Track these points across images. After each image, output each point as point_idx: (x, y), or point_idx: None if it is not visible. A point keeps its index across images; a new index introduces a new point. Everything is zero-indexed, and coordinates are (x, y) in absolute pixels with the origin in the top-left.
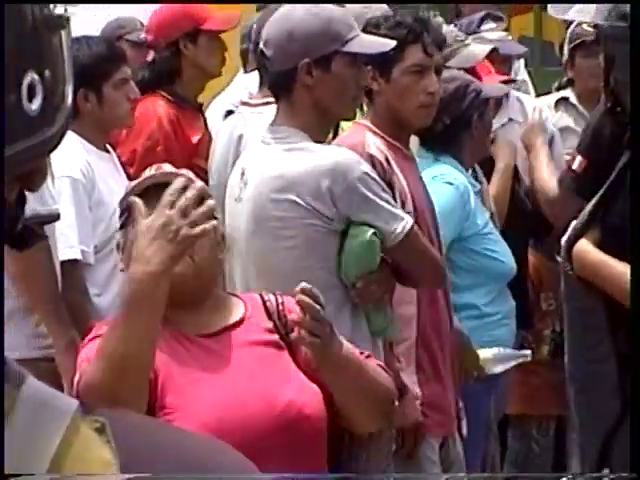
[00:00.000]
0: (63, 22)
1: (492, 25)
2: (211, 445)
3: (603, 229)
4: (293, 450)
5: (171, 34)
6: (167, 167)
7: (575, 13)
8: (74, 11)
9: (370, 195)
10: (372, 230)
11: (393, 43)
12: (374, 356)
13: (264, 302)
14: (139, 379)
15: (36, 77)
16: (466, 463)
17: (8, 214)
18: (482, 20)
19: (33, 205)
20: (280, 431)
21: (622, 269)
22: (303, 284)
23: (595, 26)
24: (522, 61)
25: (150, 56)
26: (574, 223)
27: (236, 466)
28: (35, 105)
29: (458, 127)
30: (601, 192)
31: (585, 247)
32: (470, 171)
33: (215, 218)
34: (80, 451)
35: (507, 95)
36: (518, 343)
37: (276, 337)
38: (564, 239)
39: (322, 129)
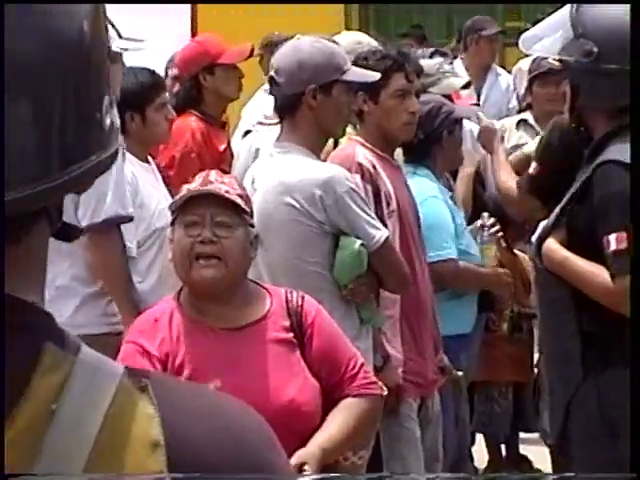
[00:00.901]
0: (120, 56)
1: (439, 59)
2: (237, 404)
3: (568, 231)
4: (288, 440)
5: (191, 69)
6: (213, 175)
7: (543, 49)
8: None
9: (354, 206)
10: (360, 242)
11: (378, 75)
12: (363, 351)
13: (287, 300)
14: None
15: (108, 100)
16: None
17: (57, 213)
18: (431, 55)
19: (115, 207)
20: (279, 424)
21: (584, 264)
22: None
23: (560, 60)
24: None
25: (176, 87)
26: (543, 224)
27: (255, 425)
28: (107, 122)
29: (431, 141)
30: (565, 200)
31: (552, 245)
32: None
33: (252, 226)
34: (128, 406)
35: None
36: (483, 321)
37: (291, 335)
38: (534, 238)
39: (319, 144)
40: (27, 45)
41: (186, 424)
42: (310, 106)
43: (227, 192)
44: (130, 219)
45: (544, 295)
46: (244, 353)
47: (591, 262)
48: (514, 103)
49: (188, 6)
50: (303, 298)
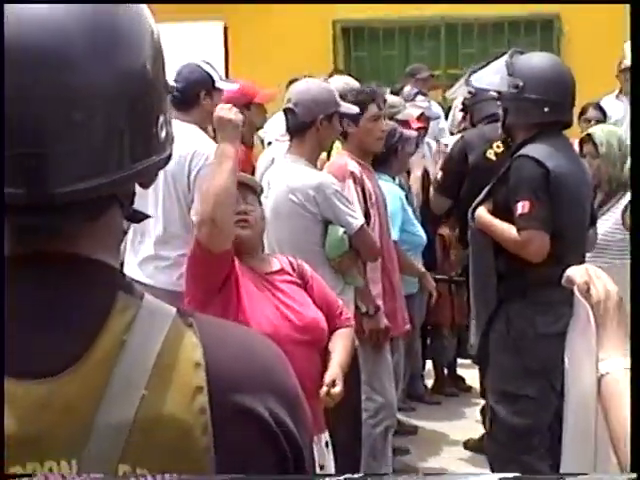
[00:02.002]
0: (171, 88)
1: (421, 98)
2: (260, 337)
3: (493, 203)
4: (311, 347)
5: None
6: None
7: (486, 84)
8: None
9: (338, 203)
10: (343, 229)
11: (357, 109)
12: (345, 301)
13: (290, 262)
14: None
15: (163, 118)
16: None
17: (127, 201)
18: (415, 94)
19: None
20: (306, 333)
21: (500, 224)
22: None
23: (497, 92)
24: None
25: None
26: (478, 198)
27: (273, 353)
28: (162, 136)
29: (388, 154)
30: (491, 184)
31: (481, 212)
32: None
33: (260, 204)
34: (178, 337)
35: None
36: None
37: (300, 281)
38: (472, 208)
39: (316, 157)
40: (105, 78)
41: (220, 350)
42: (317, 130)
43: (249, 180)
44: None
45: (474, 246)
46: (277, 289)
47: (505, 222)
48: (442, 125)
49: (222, 52)
50: (299, 260)
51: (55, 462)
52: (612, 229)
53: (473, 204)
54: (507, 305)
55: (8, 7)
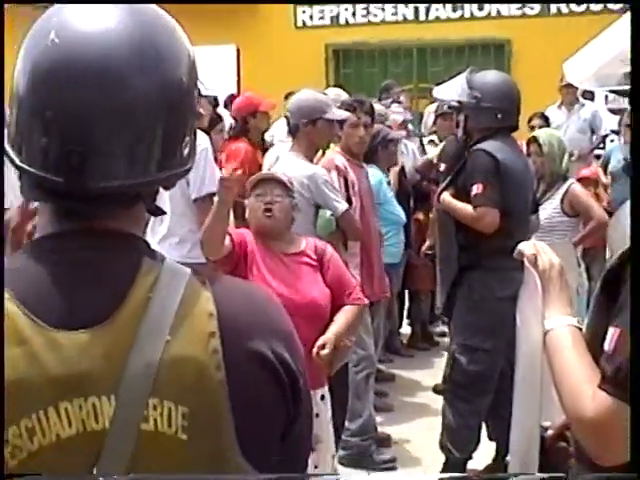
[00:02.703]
0: (198, 115)
1: (396, 105)
2: (265, 292)
3: (454, 187)
4: (311, 322)
5: (242, 113)
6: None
7: (450, 95)
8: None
9: (326, 190)
10: (330, 212)
11: (346, 114)
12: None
13: (315, 245)
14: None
15: (188, 136)
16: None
17: (150, 200)
18: (391, 103)
19: (210, 186)
20: (306, 310)
21: (461, 204)
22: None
23: (458, 102)
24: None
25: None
26: (441, 185)
27: (275, 306)
28: (185, 152)
29: (375, 151)
30: (452, 174)
31: (445, 195)
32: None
33: (293, 197)
34: (193, 293)
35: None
36: (408, 255)
37: (316, 263)
38: (437, 193)
39: (311, 153)
40: (148, 94)
41: (229, 302)
42: (306, 132)
43: (279, 177)
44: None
45: (440, 224)
46: (289, 268)
47: (464, 203)
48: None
49: (235, 70)
50: (326, 245)
51: (97, 398)
52: (553, 213)
53: (438, 190)
54: (468, 273)
55: (67, 25)
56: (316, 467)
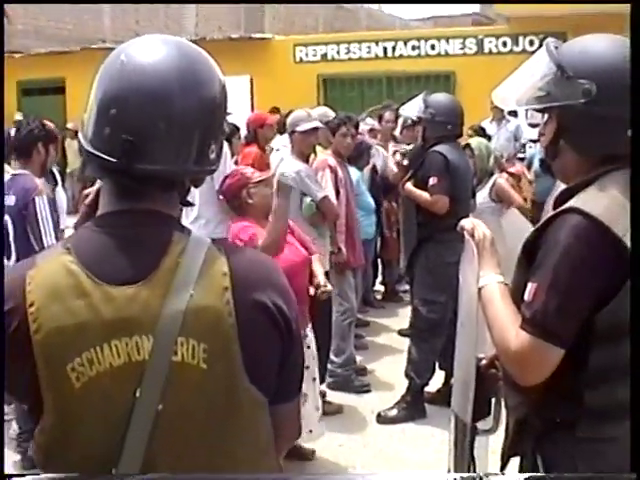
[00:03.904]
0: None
1: (369, 119)
2: (269, 259)
3: (415, 180)
4: (307, 268)
5: (253, 126)
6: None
7: (412, 113)
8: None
9: (309, 182)
10: (310, 199)
11: (310, 125)
12: (321, 244)
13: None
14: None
15: (214, 144)
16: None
17: (183, 193)
18: (365, 117)
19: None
20: (308, 260)
21: (420, 192)
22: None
23: (419, 117)
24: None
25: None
26: (405, 178)
27: (272, 265)
28: (212, 156)
29: (357, 155)
30: (414, 169)
31: (408, 185)
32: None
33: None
34: (212, 257)
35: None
36: (379, 234)
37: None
38: (401, 184)
39: (303, 156)
40: (187, 110)
41: (240, 264)
42: (292, 140)
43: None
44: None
45: (404, 207)
46: (294, 239)
47: (422, 191)
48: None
49: (249, 96)
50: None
51: (139, 337)
52: (483, 200)
53: (402, 182)
54: (424, 244)
55: (132, 52)
56: (305, 392)
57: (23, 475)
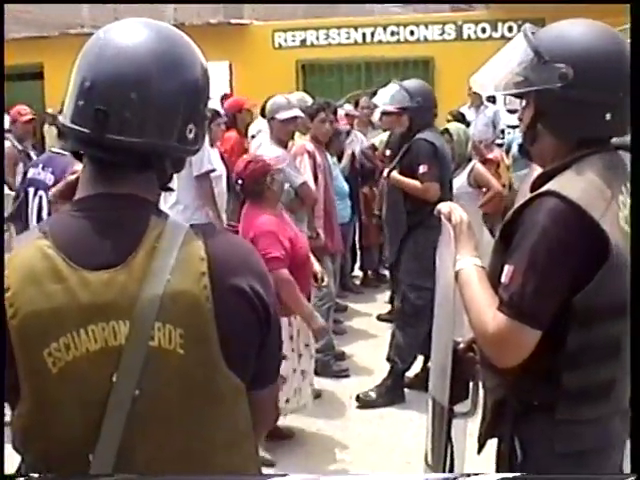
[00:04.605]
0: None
1: (348, 105)
2: (247, 244)
3: (401, 168)
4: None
5: (232, 110)
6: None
7: (392, 101)
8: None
9: (287, 168)
10: (289, 184)
11: (287, 115)
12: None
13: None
14: None
15: (193, 125)
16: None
17: (162, 175)
18: (343, 103)
19: (207, 165)
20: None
21: (409, 180)
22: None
23: (404, 107)
24: None
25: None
26: (389, 166)
27: (250, 250)
28: (190, 136)
29: (332, 143)
30: (398, 157)
31: (394, 174)
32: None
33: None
34: (189, 241)
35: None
36: (358, 218)
37: None
38: (386, 173)
39: (282, 142)
40: (170, 80)
41: (217, 249)
42: (271, 126)
43: None
44: (214, 170)
45: (389, 196)
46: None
47: (411, 179)
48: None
49: (228, 81)
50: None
51: (115, 322)
52: (461, 185)
53: (386, 170)
54: (413, 230)
55: (111, 33)
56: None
57: (23, 475)
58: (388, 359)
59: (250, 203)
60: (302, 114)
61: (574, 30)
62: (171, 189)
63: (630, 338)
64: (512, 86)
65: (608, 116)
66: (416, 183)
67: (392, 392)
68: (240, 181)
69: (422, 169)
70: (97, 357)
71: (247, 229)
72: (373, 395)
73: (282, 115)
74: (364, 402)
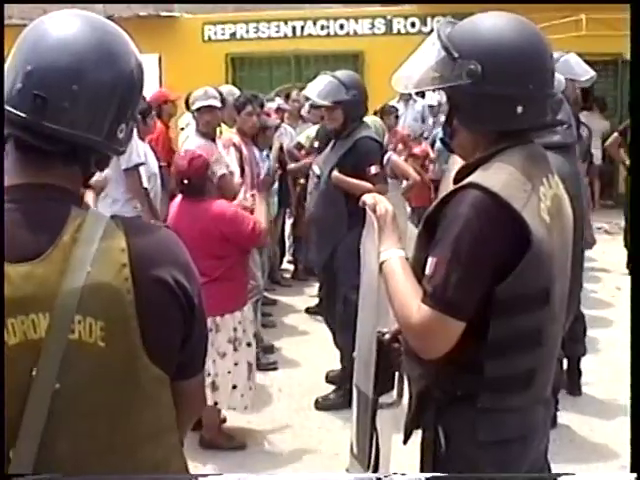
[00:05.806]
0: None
1: (278, 98)
2: (167, 230)
3: (342, 168)
4: None
5: (157, 102)
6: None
7: (325, 96)
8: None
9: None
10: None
11: (211, 102)
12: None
13: None
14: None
15: (124, 125)
16: None
17: (86, 168)
18: (275, 96)
19: (136, 158)
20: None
21: (357, 181)
22: None
23: (338, 101)
24: None
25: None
26: (330, 166)
27: (174, 241)
28: (121, 135)
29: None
30: (338, 155)
31: (336, 173)
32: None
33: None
34: (110, 233)
35: (280, 124)
36: (284, 211)
37: None
38: (326, 172)
39: (207, 133)
40: (100, 82)
41: (138, 240)
42: (194, 118)
43: None
44: (143, 163)
45: (325, 195)
46: None
47: (359, 180)
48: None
49: (157, 73)
50: None
51: (35, 315)
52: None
53: (327, 170)
54: (351, 231)
55: (51, 26)
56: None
57: (24, 475)
58: (344, 366)
59: (192, 198)
60: (218, 104)
61: (483, 25)
62: (93, 187)
63: (630, 337)
64: (429, 83)
65: (519, 109)
66: (366, 184)
67: (350, 394)
68: (186, 181)
69: (374, 170)
70: (17, 351)
71: (195, 222)
72: (333, 397)
73: (196, 105)
74: (323, 404)
